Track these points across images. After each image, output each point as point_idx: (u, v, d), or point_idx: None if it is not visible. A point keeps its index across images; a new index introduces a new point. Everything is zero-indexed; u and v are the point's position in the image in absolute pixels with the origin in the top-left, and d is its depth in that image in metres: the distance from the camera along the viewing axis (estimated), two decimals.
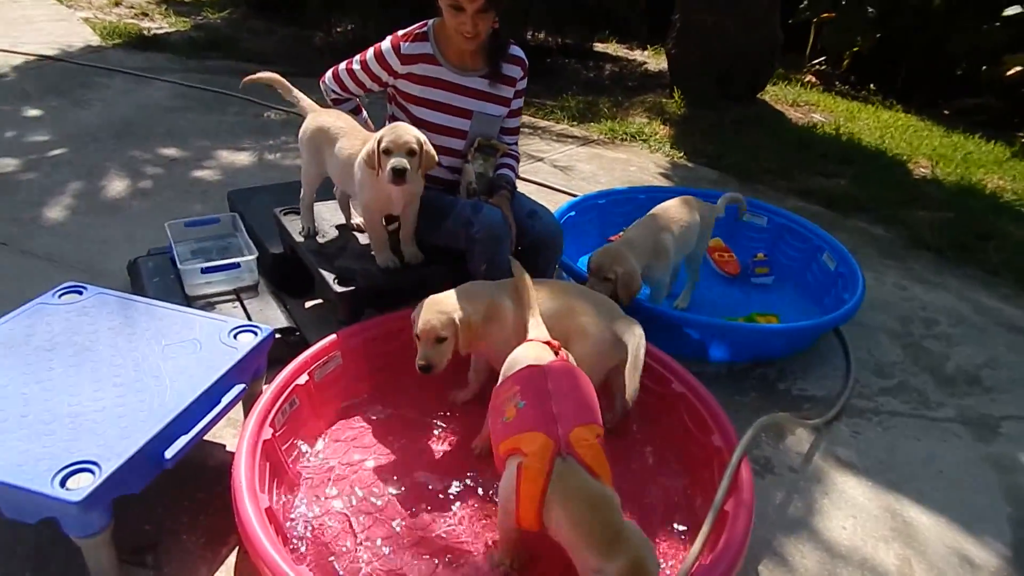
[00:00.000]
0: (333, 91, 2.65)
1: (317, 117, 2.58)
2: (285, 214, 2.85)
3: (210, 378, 1.89)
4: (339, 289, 2.39)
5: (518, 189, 2.68)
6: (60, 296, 2.18)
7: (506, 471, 1.66)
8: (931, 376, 2.83)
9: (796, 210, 3.95)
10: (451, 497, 2.02)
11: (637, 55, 8.55)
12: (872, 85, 8.37)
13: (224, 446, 2.19)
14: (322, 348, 2.26)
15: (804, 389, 2.68)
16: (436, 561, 1.82)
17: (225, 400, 1.90)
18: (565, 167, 4.69)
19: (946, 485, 2.28)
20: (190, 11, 8.76)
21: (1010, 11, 7.12)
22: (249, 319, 2.59)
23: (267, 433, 1.94)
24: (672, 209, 2.92)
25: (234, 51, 7.07)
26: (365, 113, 2.78)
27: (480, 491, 2.04)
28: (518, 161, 2.76)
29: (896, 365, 2.88)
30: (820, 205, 4.40)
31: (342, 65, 2.61)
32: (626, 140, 5.35)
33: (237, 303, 2.70)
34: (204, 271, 2.69)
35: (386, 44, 2.48)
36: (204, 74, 6.21)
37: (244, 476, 1.74)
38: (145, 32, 7.39)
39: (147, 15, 8.37)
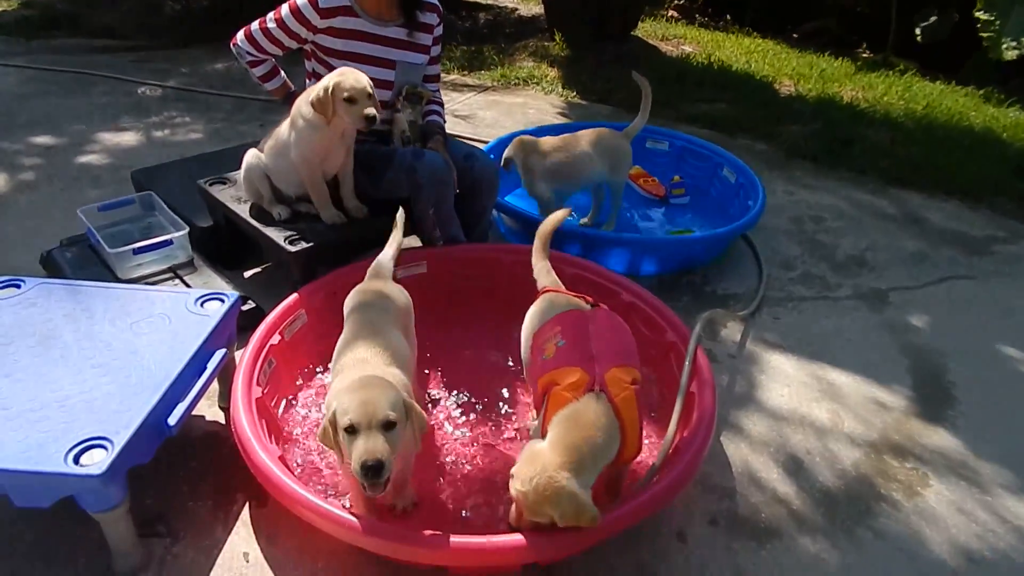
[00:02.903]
0: (248, 53, 2.59)
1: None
2: (211, 184, 2.78)
3: (192, 346, 1.88)
4: (292, 249, 2.40)
5: None
6: None
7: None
8: (827, 264, 3.23)
9: (687, 134, 4.26)
10: (454, 422, 2.15)
11: (507, 2, 8.61)
12: (728, 16, 8.93)
13: (204, 417, 2.19)
14: (287, 307, 2.28)
15: (727, 288, 2.99)
16: (456, 486, 1.95)
17: (211, 366, 1.91)
18: (467, 116, 4.76)
19: (854, 350, 2.65)
20: None
21: None
22: None
23: (257, 392, 1.97)
24: (585, 140, 3.14)
25: (79, 28, 6.51)
26: (283, 73, 2.74)
27: (476, 414, 2.18)
28: (442, 107, 2.83)
29: (797, 259, 3.26)
30: (707, 128, 4.75)
31: (254, 25, 2.55)
32: (518, 84, 5.48)
33: (176, 281, 2.63)
34: (136, 252, 2.59)
35: (302, 0, 2.45)
36: (53, 55, 5.70)
37: (250, 431, 1.78)
38: None
39: None
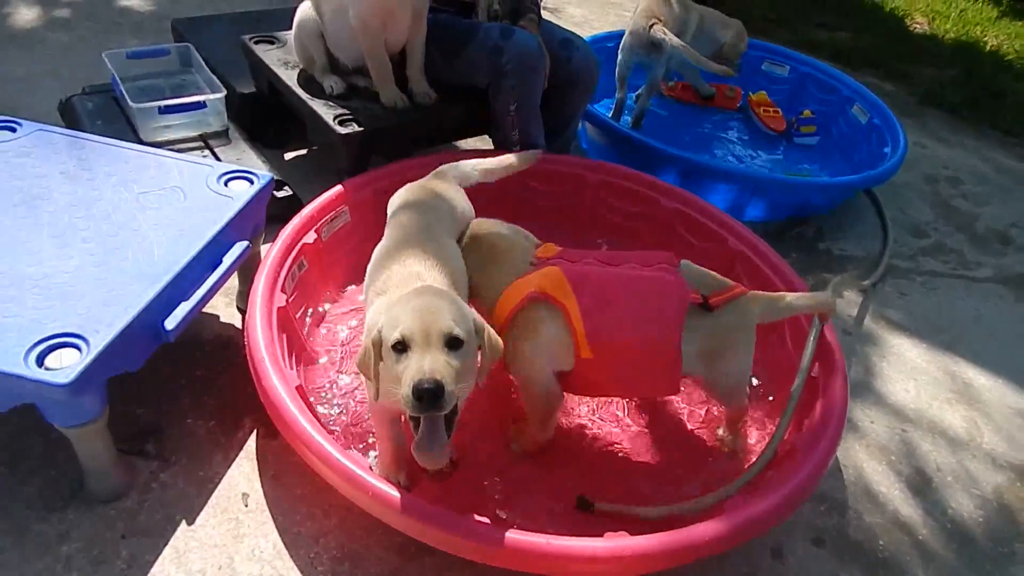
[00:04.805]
0: None
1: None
2: (256, 43, 2.35)
3: (207, 233, 1.52)
4: (342, 131, 1.98)
5: None
6: None
7: None
8: (964, 236, 2.70)
9: None
10: None
11: None
12: None
13: (218, 317, 1.85)
14: (328, 201, 1.89)
15: (844, 249, 2.51)
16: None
17: (227, 260, 1.55)
18: (553, 9, 4.18)
19: (998, 346, 2.18)
20: None
21: None
22: None
23: (280, 300, 1.61)
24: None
25: None
26: None
27: None
28: None
29: (929, 225, 2.74)
30: (828, 59, 4.08)
31: None
32: None
33: (206, 151, 2.25)
34: (162, 111, 2.21)
35: None
36: None
37: (266, 352, 1.43)
38: None
39: None
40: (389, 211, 1.61)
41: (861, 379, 1.99)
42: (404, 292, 1.21)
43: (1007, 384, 2.04)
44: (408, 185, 1.67)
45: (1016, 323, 2.29)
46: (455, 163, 1.75)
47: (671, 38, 2.58)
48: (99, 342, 1.22)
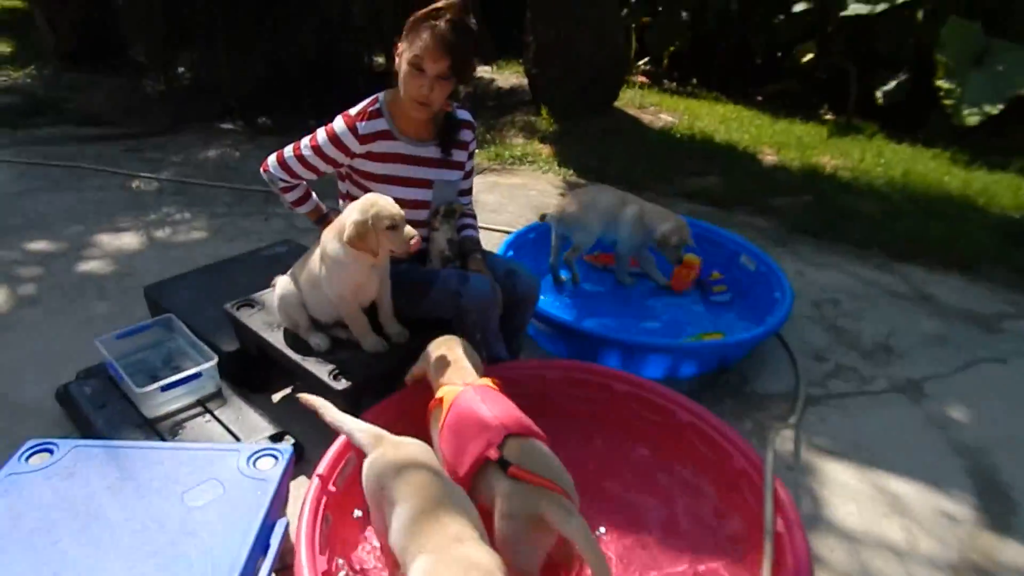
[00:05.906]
0: (281, 179, 2.49)
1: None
2: (238, 308, 2.64)
3: (253, 522, 1.74)
4: (339, 387, 2.26)
5: None
6: (27, 459, 1.88)
7: None
8: (857, 353, 3.22)
9: (689, 212, 4.28)
10: None
11: (483, 72, 8.71)
12: (694, 80, 9.21)
13: None
14: (337, 455, 2.13)
15: (765, 387, 2.95)
16: None
17: (274, 542, 1.77)
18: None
19: (907, 452, 2.61)
20: None
21: (798, 7, 8.10)
22: (229, 431, 2.38)
23: (322, 563, 1.81)
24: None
25: (63, 115, 6.35)
26: (315, 196, 2.64)
27: None
28: (475, 219, 2.77)
29: (827, 349, 3.25)
30: (706, 205, 4.79)
31: (287, 151, 2.46)
32: (513, 163, 5.48)
33: (207, 416, 2.46)
34: (164, 389, 2.43)
35: (339, 125, 2.38)
36: (41, 146, 5.51)
37: None
38: None
39: None
40: (378, 480, 1.79)
41: (813, 511, 2.34)
42: (453, 561, 1.48)
43: (924, 487, 2.45)
44: (381, 454, 1.86)
45: (915, 427, 2.76)
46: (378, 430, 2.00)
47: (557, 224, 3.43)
48: None
